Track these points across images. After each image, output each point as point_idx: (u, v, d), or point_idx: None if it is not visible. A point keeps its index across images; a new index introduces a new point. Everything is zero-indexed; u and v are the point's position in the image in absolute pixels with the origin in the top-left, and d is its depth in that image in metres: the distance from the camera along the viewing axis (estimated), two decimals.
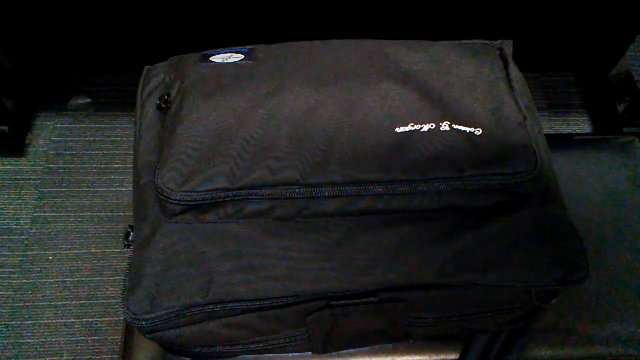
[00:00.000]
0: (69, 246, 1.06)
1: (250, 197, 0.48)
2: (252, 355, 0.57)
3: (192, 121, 0.51)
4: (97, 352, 0.97)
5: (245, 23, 1.04)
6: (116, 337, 0.98)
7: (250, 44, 0.58)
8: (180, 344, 0.52)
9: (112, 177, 1.14)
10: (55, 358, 0.97)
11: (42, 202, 1.11)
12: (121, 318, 0.98)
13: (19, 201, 1.11)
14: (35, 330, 0.98)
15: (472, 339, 0.59)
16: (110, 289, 1.03)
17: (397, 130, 0.50)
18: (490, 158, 0.49)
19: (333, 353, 0.58)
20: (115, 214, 1.10)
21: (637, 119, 1.18)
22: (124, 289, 0.49)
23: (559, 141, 0.74)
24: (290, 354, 0.58)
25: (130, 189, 0.55)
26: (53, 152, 1.16)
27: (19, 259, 1.05)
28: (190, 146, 0.49)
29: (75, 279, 1.03)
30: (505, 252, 0.49)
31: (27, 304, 1.01)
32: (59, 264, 1.04)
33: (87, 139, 1.18)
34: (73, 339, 0.98)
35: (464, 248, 0.49)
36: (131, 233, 0.52)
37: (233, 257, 0.48)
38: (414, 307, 0.52)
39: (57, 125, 1.20)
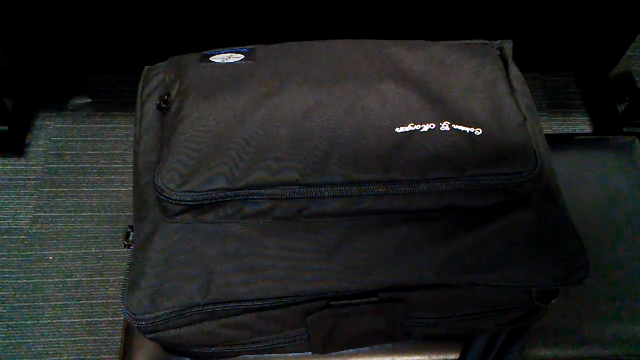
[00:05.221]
0: (69, 246, 1.06)
1: (250, 197, 0.48)
2: (252, 355, 0.57)
3: (192, 121, 0.51)
4: (97, 352, 0.97)
5: (245, 23, 1.04)
6: (116, 337, 0.98)
7: (250, 44, 0.58)
8: (180, 344, 0.52)
9: (112, 177, 1.14)
10: (55, 358, 0.97)
11: (42, 202, 1.11)
12: (121, 318, 0.98)
13: (19, 201, 1.11)
14: (35, 330, 0.98)
15: (472, 339, 0.59)
16: (110, 289, 1.03)
17: (397, 130, 0.50)
18: (490, 158, 0.49)
19: (333, 353, 0.58)
20: (115, 214, 1.10)
21: (637, 119, 1.18)
22: (124, 289, 0.49)
23: (559, 141, 0.74)
24: (290, 354, 0.58)
25: (130, 189, 0.55)
26: (53, 152, 1.16)
27: (19, 259, 1.05)
28: (190, 146, 0.49)
29: (75, 279, 1.03)
30: (505, 252, 0.49)
31: (27, 304, 1.01)
32: (59, 264, 1.04)
33: (87, 139, 1.18)
34: (73, 339, 0.98)
35: (464, 248, 0.49)
36: (131, 233, 0.52)
37: (233, 257, 0.48)
38: (414, 307, 0.52)
39: (57, 125, 1.20)
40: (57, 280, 1.03)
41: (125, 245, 0.52)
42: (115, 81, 1.25)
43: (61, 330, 0.99)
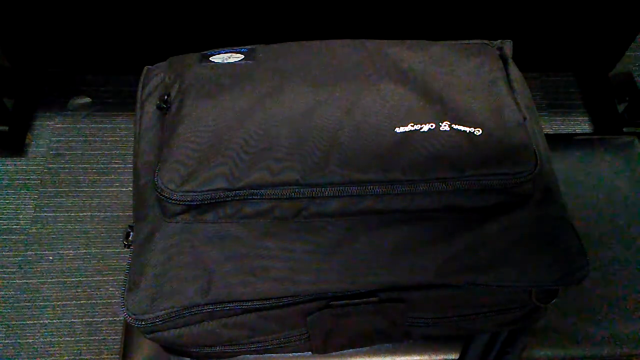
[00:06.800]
0: (69, 246, 1.06)
1: (250, 197, 0.48)
2: (252, 355, 0.57)
3: (192, 121, 0.51)
4: (97, 352, 0.97)
5: (245, 23, 1.04)
6: (116, 337, 0.98)
7: (250, 44, 0.58)
8: (180, 344, 0.52)
9: (112, 177, 1.14)
10: (55, 358, 0.97)
11: (42, 202, 1.10)
12: (121, 318, 0.97)
13: (19, 201, 1.11)
14: (35, 330, 0.98)
15: (472, 339, 0.59)
16: (110, 289, 1.02)
17: (397, 130, 0.50)
18: (490, 158, 0.49)
19: (333, 353, 0.58)
20: (115, 214, 1.10)
21: (637, 119, 1.18)
22: (124, 289, 0.49)
23: (559, 141, 0.74)
24: (290, 354, 0.58)
25: (130, 189, 0.55)
26: (53, 152, 1.16)
27: (19, 259, 1.05)
28: (190, 146, 0.49)
29: (75, 279, 1.03)
30: (505, 252, 0.49)
31: (28, 304, 1.01)
32: (59, 264, 1.04)
33: (87, 139, 1.18)
34: (73, 339, 0.98)
35: (464, 248, 0.49)
36: (131, 233, 0.52)
37: (233, 257, 0.48)
38: (414, 307, 0.52)
39: (57, 125, 1.20)
40: (57, 280, 1.03)
41: (125, 245, 0.52)
42: (115, 81, 1.25)
43: (61, 330, 0.99)
